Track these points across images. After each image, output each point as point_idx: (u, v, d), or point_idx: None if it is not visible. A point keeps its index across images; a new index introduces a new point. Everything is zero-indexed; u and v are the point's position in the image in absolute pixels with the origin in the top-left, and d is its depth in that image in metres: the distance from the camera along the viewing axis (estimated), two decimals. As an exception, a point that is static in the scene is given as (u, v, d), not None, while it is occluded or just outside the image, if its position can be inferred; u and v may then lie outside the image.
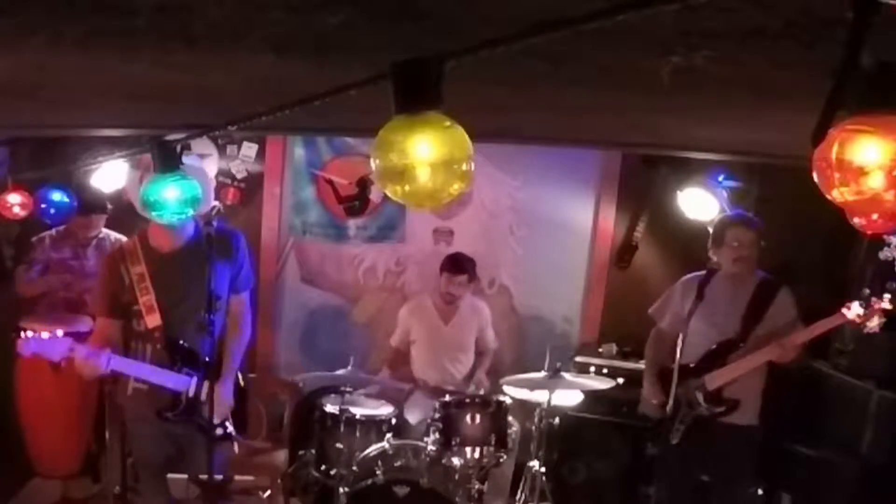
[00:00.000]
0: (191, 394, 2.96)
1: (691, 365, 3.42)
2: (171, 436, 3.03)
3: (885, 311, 3.02)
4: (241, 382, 3.23)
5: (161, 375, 2.93)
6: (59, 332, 2.94)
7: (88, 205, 4.24)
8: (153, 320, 2.93)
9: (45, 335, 2.88)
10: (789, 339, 3.21)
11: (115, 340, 2.99)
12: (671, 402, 3.40)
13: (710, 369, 3.38)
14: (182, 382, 2.96)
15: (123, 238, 4.44)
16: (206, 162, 4.85)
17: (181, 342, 2.97)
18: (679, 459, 3.51)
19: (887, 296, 3.02)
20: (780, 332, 3.30)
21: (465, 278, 4.35)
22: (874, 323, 3.04)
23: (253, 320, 3.34)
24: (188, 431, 2.98)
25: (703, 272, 3.54)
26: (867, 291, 3.06)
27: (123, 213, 4.32)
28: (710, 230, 3.55)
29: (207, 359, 2.89)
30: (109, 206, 4.37)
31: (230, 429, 3.10)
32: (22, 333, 2.91)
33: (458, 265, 4.36)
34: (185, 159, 2.92)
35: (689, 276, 3.63)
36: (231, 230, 3.27)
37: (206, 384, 2.93)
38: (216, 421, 2.90)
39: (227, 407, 3.06)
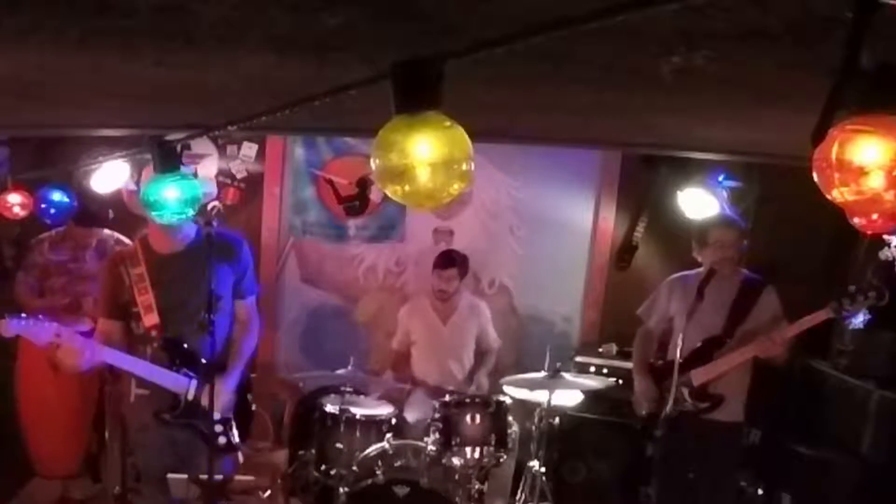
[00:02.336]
0: (190, 396, 2.93)
1: (678, 362, 3.43)
2: (174, 444, 2.97)
3: (869, 308, 3.03)
4: (248, 394, 3.19)
5: (157, 373, 2.90)
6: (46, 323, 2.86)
7: (89, 217, 4.24)
8: (150, 319, 2.91)
9: (30, 318, 2.80)
10: (776, 333, 3.24)
11: (115, 342, 2.96)
12: (671, 399, 3.41)
13: (696, 366, 3.41)
14: (180, 382, 2.92)
15: (125, 239, 4.45)
16: (206, 162, 4.86)
17: (180, 343, 2.94)
18: (668, 457, 3.52)
19: (871, 293, 3.04)
20: (765, 329, 3.33)
21: (454, 272, 4.35)
22: (859, 319, 3.05)
23: (259, 325, 3.30)
24: (190, 439, 2.94)
25: (692, 272, 3.56)
26: (853, 288, 3.07)
27: (123, 213, 4.34)
28: (694, 231, 3.59)
29: (205, 360, 2.87)
30: (111, 215, 4.37)
31: (234, 438, 3.04)
32: (6, 316, 2.83)
33: (446, 259, 4.39)
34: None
35: (674, 276, 3.68)
36: (234, 235, 3.25)
37: (206, 387, 2.88)
38: (216, 415, 2.87)
39: (228, 399, 3.01)
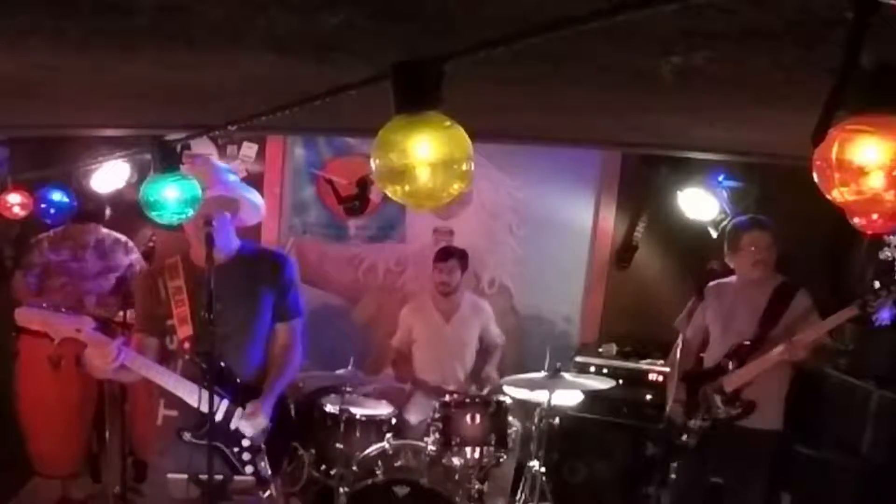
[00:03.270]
0: (219, 416, 2.69)
1: (710, 368, 3.41)
2: (195, 470, 2.62)
3: (894, 302, 2.99)
4: (291, 414, 3.04)
5: (182, 385, 2.69)
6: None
7: (87, 213, 4.24)
8: (185, 331, 2.76)
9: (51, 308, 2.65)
10: (799, 337, 3.18)
11: (150, 356, 2.78)
12: (669, 404, 3.41)
13: (728, 372, 3.37)
14: (206, 399, 2.59)
15: (123, 237, 4.45)
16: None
17: (213, 358, 2.63)
18: (694, 461, 3.48)
19: (895, 287, 2.99)
20: (797, 330, 3.26)
21: (455, 262, 4.38)
22: (885, 315, 3.02)
23: (302, 352, 3.02)
24: (216, 466, 2.62)
25: (726, 280, 3.52)
26: (877, 284, 3.02)
27: (124, 212, 4.34)
28: (725, 236, 3.53)
29: (240, 380, 2.77)
30: (108, 213, 4.37)
31: (264, 469, 2.79)
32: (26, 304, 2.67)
33: (444, 252, 4.43)
34: (239, 189, 2.88)
35: (709, 285, 3.57)
36: (276, 252, 3.15)
37: (239, 410, 2.74)
38: (248, 435, 2.75)
39: (260, 425, 2.78)
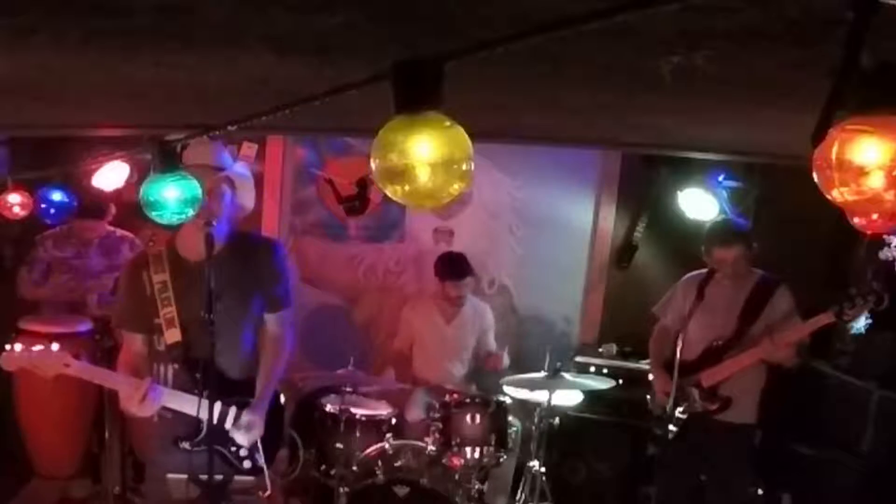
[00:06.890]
0: (214, 420, 2.59)
1: (689, 362, 3.43)
2: (197, 469, 2.61)
3: (870, 311, 3.03)
4: (282, 403, 2.98)
5: (181, 400, 2.63)
6: (55, 346, 2.61)
7: (88, 210, 4.24)
8: (172, 335, 2.65)
9: (35, 348, 2.58)
10: (779, 336, 3.23)
11: (142, 357, 2.73)
12: (671, 400, 3.42)
13: (706, 367, 3.41)
14: (203, 407, 2.56)
15: (130, 235, 4.46)
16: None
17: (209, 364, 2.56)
18: (676, 458, 3.53)
19: (871, 297, 3.03)
20: (777, 329, 3.32)
21: (470, 280, 4.34)
22: (860, 323, 3.06)
23: (292, 343, 2.98)
24: (214, 464, 2.61)
25: (705, 271, 3.55)
26: (854, 291, 3.06)
27: (125, 212, 4.34)
28: (703, 238, 3.56)
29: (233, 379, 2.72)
30: (112, 209, 4.37)
31: (260, 461, 2.77)
32: (7, 346, 2.59)
33: (458, 269, 4.31)
34: (237, 167, 2.83)
35: (690, 274, 3.66)
36: (268, 239, 3.07)
37: (232, 410, 2.70)
38: (244, 445, 2.72)
39: (257, 435, 2.73)
